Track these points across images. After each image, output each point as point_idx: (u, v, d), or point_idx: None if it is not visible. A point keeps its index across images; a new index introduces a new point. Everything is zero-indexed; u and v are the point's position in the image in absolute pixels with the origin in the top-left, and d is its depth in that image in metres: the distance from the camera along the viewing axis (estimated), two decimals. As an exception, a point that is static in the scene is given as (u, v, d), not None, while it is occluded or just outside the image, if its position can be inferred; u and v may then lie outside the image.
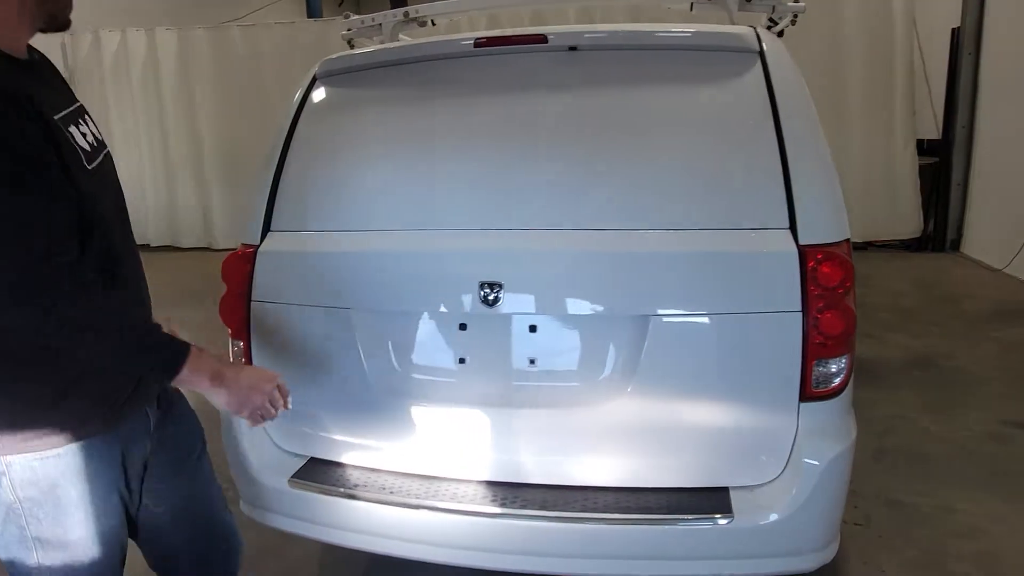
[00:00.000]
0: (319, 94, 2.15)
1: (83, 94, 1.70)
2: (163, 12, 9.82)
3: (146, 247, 9.57)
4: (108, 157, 1.42)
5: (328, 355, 1.96)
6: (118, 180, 1.46)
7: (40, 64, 1.37)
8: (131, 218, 1.47)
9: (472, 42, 1.96)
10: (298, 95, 2.18)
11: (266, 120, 9.02)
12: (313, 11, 11.69)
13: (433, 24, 2.80)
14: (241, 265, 2.07)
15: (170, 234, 9.55)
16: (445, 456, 1.90)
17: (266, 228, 2.07)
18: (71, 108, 1.35)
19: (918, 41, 7.24)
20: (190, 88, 9.14)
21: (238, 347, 2.09)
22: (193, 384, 1.34)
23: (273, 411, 1.47)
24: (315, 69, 2.21)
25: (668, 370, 1.76)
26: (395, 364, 1.92)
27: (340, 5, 12.98)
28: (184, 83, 9.15)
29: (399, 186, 1.96)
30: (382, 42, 2.89)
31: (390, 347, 1.92)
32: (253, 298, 2.04)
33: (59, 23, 1.34)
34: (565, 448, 1.83)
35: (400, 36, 2.79)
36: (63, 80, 1.44)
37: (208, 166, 9.13)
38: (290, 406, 1.51)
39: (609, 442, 1.80)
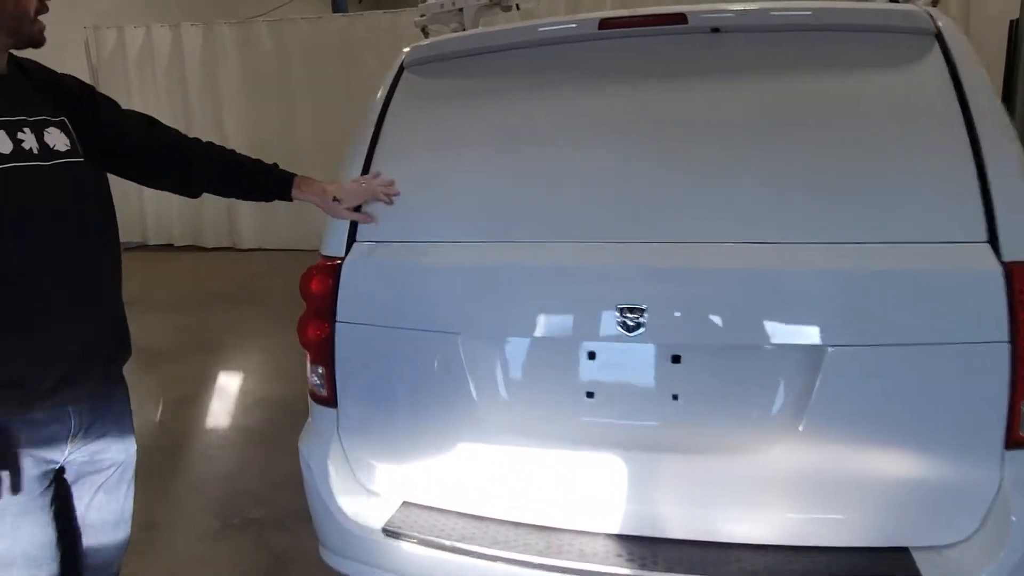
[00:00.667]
0: (409, 85, 1.89)
1: (108, 90, 1.67)
2: (185, 10, 9.61)
3: (170, 247, 9.39)
4: (59, 166, 1.43)
5: (429, 386, 1.70)
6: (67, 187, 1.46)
7: (9, 78, 1.43)
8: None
9: (597, 23, 1.69)
10: (384, 87, 1.91)
11: (292, 116, 8.83)
12: (339, 6, 11.45)
13: (518, 8, 2.53)
14: (323, 280, 1.82)
15: (193, 233, 9.35)
16: (568, 505, 1.63)
17: (351, 238, 1.81)
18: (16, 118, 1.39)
19: (971, 34, 6.94)
20: (215, 84, 8.94)
21: (318, 374, 1.84)
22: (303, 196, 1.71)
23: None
24: (402, 58, 1.94)
25: (843, 410, 1.49)
26: (509, 397, 1.66)
27: (360, 2, 12.73)
28: (209, 79, 8.96)
29: (514, 190, 1.69)
30: (455, 30, 2.63)
31: (503, 378, 1.66)
32: (338, 318, 1.79)
33: (33, 43, 1.42)
34: (714, 498, 1.56)
35: (479, 23, 2.53)
36: (39, 91, 1.47)
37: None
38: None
39: (769, 492, 1.53)
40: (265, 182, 1.74)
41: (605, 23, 1.69)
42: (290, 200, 1.76)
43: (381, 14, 8.93)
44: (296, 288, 1.85)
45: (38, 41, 1.44)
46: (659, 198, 1.59)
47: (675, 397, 1.56)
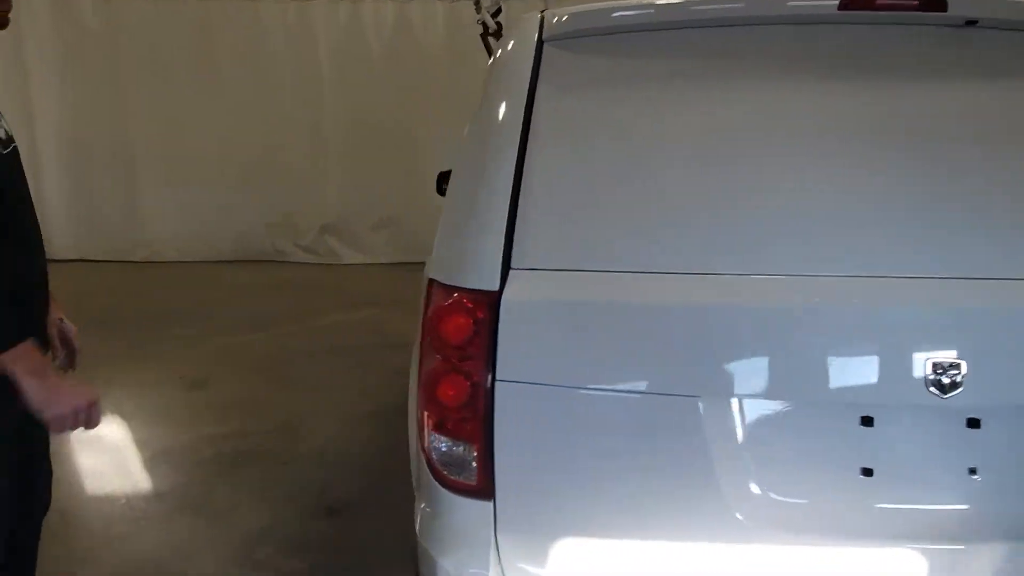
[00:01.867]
0: (559, 64, 1.43)
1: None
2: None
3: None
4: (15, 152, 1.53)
5: (647, 467, 1.26)
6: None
7: None
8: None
9: (835, 3, 1.35)
10: (519, 64, 1.44)
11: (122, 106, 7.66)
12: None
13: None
14: (464, 322, 1.31)
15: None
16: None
17: (506, 263, 1.33)
18: None
19: None
20: (23, 64, 7.52)
21: (462, 451, 1.32)
22: (12, 367, 1.34)
23: (80, 423, 1.43)
24: (534, 27, 1.48)
25: None
26: (763, 479, 1.26)
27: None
28: (15, 57, 7.51)
29: (757, 205, 1.30)
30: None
31: (758, 454, 1.26)
32: (499, 376, 1.29)
33: None
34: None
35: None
36: None
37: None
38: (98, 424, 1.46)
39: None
40: None
41: (846, 3, 1.35)
42: None
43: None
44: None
45: (3, 23, 1.46)
46: (942, 222, 1.28)
47: (972, 471, 1.26)
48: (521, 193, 1.34)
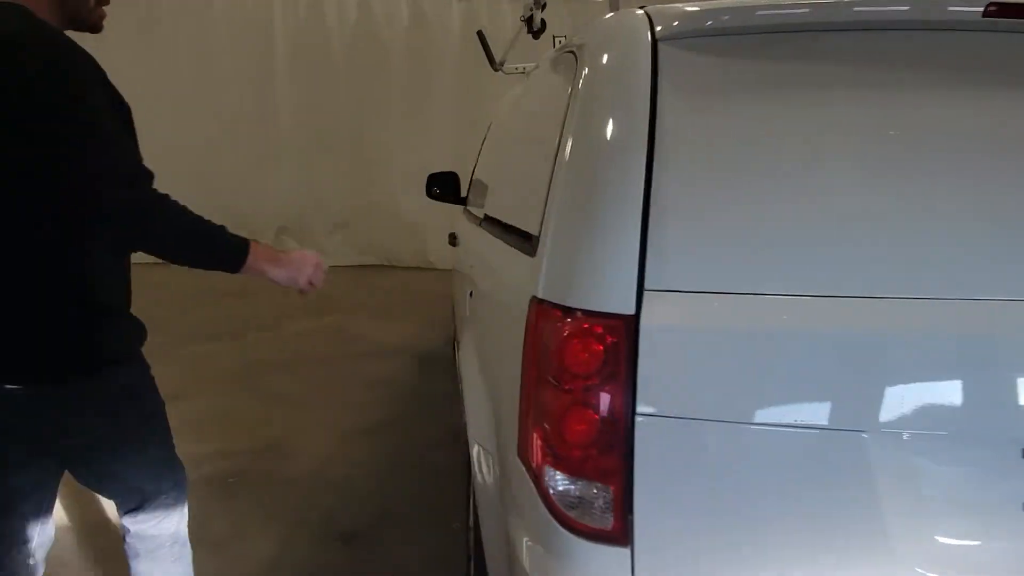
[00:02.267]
0: (681, 66, 1.31)
1: None
2: None
3: None
4: None
5: (806, 510, 1.15)
6: None
7: None
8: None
9: (980, 9, 1.28)
10: (638, 68, 1.32)
11: None
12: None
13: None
14: (594, 349, 1.18)
15: None
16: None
17: (640, 285, 1.20)
18: None
19: None
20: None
21: (595, 493, 1.19)
22: (256, 269, 1.51)
23: (317, 283, 1.64)
24: (643, 25, 1.36)
25: None
26: (933, 519, 1.17)
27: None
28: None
29: (915, 221, 1.20)
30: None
31: (927, 493, 1.17)
32: (640, 409, 1.16)
33: (92, 29, 1.48)
34: None
35: None
36: None
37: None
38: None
39: None
40: None
41: (992, 11, 1.28)
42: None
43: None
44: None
45: (97, 27, 1.49)
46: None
47: None
48: (652, 208, 1.22)
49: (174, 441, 1.70)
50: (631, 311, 1.18)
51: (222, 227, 1.47)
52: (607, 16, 1.58)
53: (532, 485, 1.28)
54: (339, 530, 2.67)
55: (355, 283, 7.74)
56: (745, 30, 1.32)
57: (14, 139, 1.27)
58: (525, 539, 1.33)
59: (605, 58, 1.42)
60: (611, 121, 1.31)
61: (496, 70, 3.73)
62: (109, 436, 1.51)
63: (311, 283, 1.63)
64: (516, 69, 3.56)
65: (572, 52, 1.65)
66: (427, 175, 3.86)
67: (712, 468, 1.17)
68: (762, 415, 1.16)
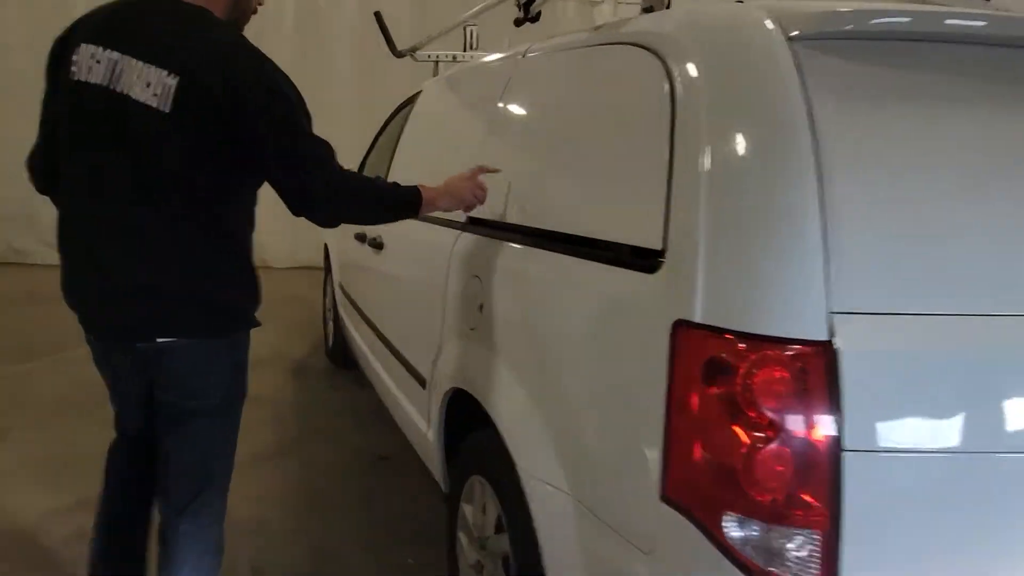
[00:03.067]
0: (827, 69, 1.21)
1: None
2: None
3: None
4: None
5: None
6: None
7: None
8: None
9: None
10: (780, 71, 1.19)
11: None
12: None
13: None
14: (784, 379, 1.06)
15: None
16: None
17: (827, 307, 1.08)
18: None
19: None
20: None
21: (801, 542, 1.06)
22: (433, 207, 1.72)
23: (483, 197, 1.82)
24: (770, 27, 1.24)
25: None
26: None
27: None
28: None
29: None
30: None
31: None
32: (847, 444, 1.05)
33: (245, 16, 1.67)
34: None
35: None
36: None
37: None
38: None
39: None
40: None
41: None
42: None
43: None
44: None
45: (252, 11, 1.68)
46: None
47: None
48: (829, 222, 1.11)
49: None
50: (824, 336, 1.06)
51: (394, 184, 1.69)
52: (702, 11, 1.44)
53: (698, 533, 1.12)
54: (278, 583, 2.29)
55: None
56: (882, 35, 1.25)
57: (221, 132, 1.45)
58: None
59: (735, 58, 1.28)
60: (765, 128, 1.18)
61: (398, 55, 3.43)
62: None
63: (477, 198, 1.80)
64: (430, 57, 3.30)
65: (637, 45, 1.50)
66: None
67: (935, 504, 1.08)
68: (988, 443, 1.09)
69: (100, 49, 1.45)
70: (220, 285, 1.55)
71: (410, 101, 3.17)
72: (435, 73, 3.27)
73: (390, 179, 3.01)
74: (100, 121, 1.46)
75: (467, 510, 1.94)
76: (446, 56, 3.28)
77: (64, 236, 1.57)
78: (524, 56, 2.07)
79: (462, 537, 1.99)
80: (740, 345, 1.08)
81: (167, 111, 1.41)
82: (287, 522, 2.65)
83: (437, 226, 2.26)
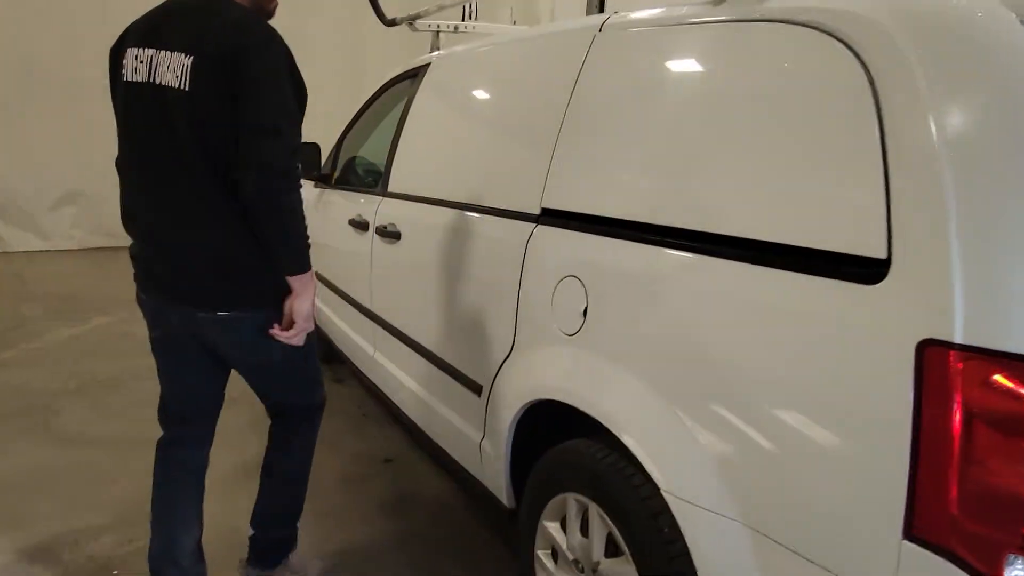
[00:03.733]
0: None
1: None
2: None
3: None
4: None
5: None
6: None
7: None
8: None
9: None
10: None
11: None
12: None
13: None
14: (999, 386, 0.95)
15: None
16: None
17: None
18: None
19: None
20: None
21: None
22: (301, 286, 1.71)
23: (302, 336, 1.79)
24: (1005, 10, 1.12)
25: None
26: None
27: None
28: None
29: None
30: None
31: None
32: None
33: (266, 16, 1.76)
34: None
35: None
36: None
37: None
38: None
39: None
40: None
41: None
42: None
43: None
44: None
45: (272, 14, 1.78)
46: None
47: None
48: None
49: None
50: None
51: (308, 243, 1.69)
52: None
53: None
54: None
55: (97, 272, 6.27)
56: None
57: (228, 102, 1.55)
58: None
59: (970, 43, 1.14)
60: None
61: (388, 24, 3.14)
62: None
63: (294, 333, 1.75)
64: (430, 27, 3.02)
65: (810, 27, 1.31)
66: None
67: None
68: None
69: (142, 50, 1.63)
70: (255, 260, 1.68)
71: (411, 75, 2.89)
72: (434, 44, 3.00)
73: (398, 159, 2.76)
74: (147, 112, 1.63)
75: (551, 528, 1.78)
76: (448, 26, 3.02)
77: (127, 218, 1.78)
78: (602, 29, 1.86)
79: (541, 556, 1.82)
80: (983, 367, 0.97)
81: (187, 89, 1.56)
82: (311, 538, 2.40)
83: (495, 217, 2.04)
